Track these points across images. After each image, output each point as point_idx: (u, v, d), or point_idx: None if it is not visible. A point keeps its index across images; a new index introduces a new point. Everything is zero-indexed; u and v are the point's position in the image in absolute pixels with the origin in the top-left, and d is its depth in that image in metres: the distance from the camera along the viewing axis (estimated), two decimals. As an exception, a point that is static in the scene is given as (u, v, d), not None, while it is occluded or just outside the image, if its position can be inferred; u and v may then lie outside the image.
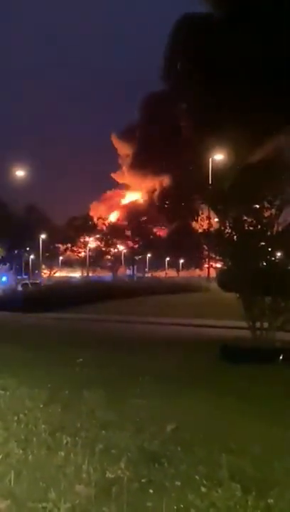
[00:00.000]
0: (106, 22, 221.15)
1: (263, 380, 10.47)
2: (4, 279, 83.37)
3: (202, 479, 4.88)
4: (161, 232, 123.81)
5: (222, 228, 15.61)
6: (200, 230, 16.83)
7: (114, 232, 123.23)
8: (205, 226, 16.60)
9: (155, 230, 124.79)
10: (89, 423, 6.81)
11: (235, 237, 15.33)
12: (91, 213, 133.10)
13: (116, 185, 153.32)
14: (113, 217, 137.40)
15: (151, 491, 4.70)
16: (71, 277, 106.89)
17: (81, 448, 5.80)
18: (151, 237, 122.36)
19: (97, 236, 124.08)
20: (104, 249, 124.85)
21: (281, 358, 12.59)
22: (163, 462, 5.32)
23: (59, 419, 7.00)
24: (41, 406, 7.73)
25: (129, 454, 5.55)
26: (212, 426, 6.89)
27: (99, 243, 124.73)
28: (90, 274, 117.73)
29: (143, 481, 4.89)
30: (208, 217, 17.06)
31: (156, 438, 6.13)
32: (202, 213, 17.16)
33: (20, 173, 64.45)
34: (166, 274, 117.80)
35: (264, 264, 15.09)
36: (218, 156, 46.46)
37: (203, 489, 4.68)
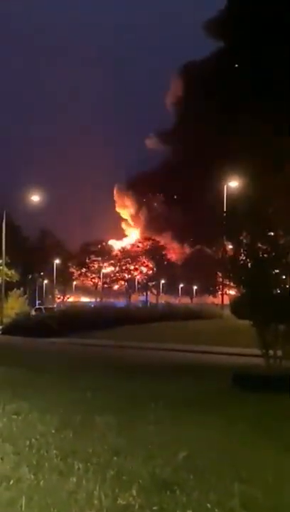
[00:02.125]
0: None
1: (274, 409, 10.39)
2: None
3: (214, 508, 4.84)
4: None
5: (237, 255, 15.65)
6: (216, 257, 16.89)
7: (127, 258, 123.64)
8: (220, 253, 16.66)
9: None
10: (101, 449, 6.80)
11: (249, 264, 15.35)
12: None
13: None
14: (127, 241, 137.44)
15: (162, 518, 4.67)
16: (85, 303, 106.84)
17: (92, 474, 5.78)
18: (165, 263, 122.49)
19: (111, 262, 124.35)
20: (117, 274, 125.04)
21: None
22: (174, 489, 5.28)
23: (70, 445, 7.00)
24: (53, 431, 7.73)
25: (141, 481, 5.52)
26: (224, 453, 6.84)
27: (113, 269, 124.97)
28: (103, 300, 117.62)
29: (154, 508, 4.85)
30: (223, 245, 17.11)
31: (168, 465, 6.10)
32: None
33: (35, 197, 64.74)
34: (179, 300, 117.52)
35: (278, 291, 15.07)
36: (233, 183, 46.74)
37: (215, 518, 4.65)
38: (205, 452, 6.78)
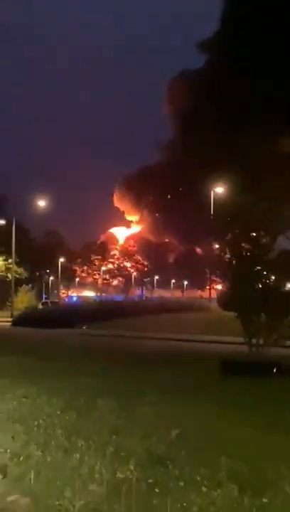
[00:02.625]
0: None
1: (258, 391, 10.43)
2: None
3: (203, 480, 4.85)
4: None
5: (222, 254, 15.69)
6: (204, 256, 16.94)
7: (125, 256, 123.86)
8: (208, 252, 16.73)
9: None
10: (102, 428, 6.81)
11: (234, 261, 15.40)
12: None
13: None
14: (123, 238, 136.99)
15: (156, 490, 4.68)
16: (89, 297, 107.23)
17: (94, 451, 5.80)
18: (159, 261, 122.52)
19: (110, 260, 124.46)
20: (116, 271, 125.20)
21: (274, 370, 12.55)
22: (168, 464, 5.31)
23: (74, 425, 7.01)
24: (58, 413, 7.74)
25: (137, 457, 5.54)
26: (212, 432, 6.86)
27: (112, 266, 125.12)
28: (103, 295, 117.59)
29: (150, 481, 4.87)
30: (211, 244, 17.17)
31: (162, 442, 6.12)
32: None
33: (41, 203, 64.69)
34: (171, 294, 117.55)
35: (260, 286, 15.11)
36: (219, 189, 46.84)
37: (204, 489, 4.66)
38: (195, 431, 6.80)
